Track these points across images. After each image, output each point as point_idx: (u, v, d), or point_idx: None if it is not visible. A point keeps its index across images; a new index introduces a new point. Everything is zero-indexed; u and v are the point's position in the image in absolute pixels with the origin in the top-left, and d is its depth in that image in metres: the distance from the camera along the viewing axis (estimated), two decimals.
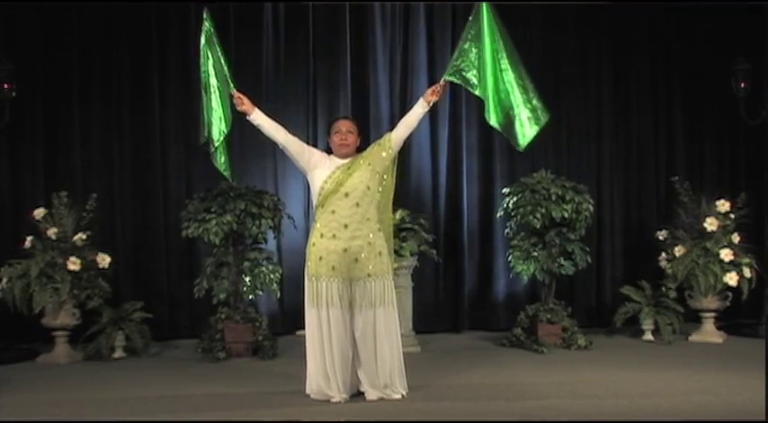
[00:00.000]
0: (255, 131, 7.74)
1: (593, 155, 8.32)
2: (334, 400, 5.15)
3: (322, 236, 5.20)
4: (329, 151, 5.41)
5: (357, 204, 5.19)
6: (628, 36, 8.38)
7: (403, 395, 5.25)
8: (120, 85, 7.67)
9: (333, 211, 5.19)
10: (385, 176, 5.36)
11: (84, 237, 6.78)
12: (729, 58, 7.99)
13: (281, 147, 5.38)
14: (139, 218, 7.70)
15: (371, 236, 5.22)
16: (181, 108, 7.74)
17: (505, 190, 7.39)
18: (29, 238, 6.76)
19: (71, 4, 7.43)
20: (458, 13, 8.03)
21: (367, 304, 5.17)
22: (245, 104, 5.36)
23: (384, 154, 5.35)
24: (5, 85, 7.10)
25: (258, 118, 5.37)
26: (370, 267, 5.19)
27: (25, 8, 7.37)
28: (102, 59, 7.65)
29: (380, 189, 5.33)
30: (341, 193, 5.19)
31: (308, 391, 5.27)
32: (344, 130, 5.35)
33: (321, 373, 5.19)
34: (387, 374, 5.21)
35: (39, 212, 6.79)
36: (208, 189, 7.08)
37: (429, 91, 5.42)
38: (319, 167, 5.28)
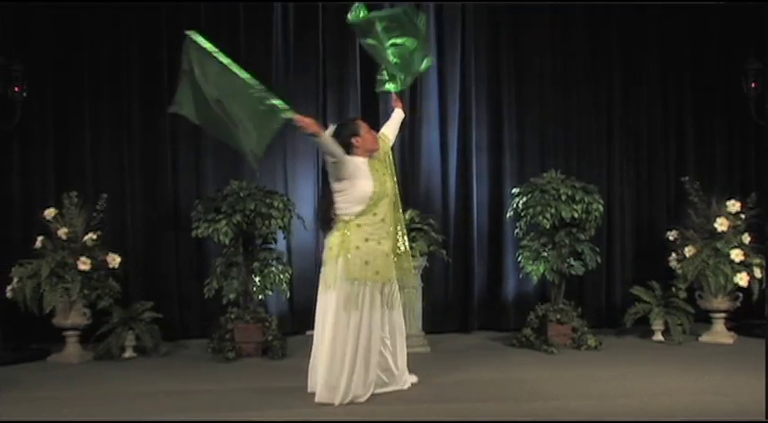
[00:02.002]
0: None
1: (603, 155, 8.30)
2: (361, 400, 5.19)
3: (367, 240, 5.22)
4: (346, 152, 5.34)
5: (394, 213, 5.40)
6: (638, 35, 8.35)
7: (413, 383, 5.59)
8: (131, 86, 7.69)
9: (383, 220, 5.28)
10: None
11: (94, 237, 6.81)
12: (740, 57, 7.97)
13: (337, 162, 5.20)
14: (149, 218, 7.72)
15: (399, 243, 5.48)
16: None
17: (515, 190, 7.38)
18: (39, 238, 6.79)
19: (81, 4, 7.45)
20: (467, 12, 8.05)
21: (390, 307, 5.32)
22: (312, 125, 5.05)
23: (388, 154, 5.60)
24: (16, 87, 7.15)
25: (324, 136, 5.15)
26: (394, 272, 5.37)
27: (36, 9, 7.40)
28: (112, 60, 7.67)
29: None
30: (385, 196, 5.32)
31: (330, 399, 5.15)
32: (368, 128, 5.44)
33: (359, 374, 5.17)
34: (404, 366, 5.51)
35: (49, 213, 6.82)
36: (218, 189, 7.10)
37: (396, 100, 5.89)
38: (361, 172, 5.28)
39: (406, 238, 5.58)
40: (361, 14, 5.62)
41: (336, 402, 5.10)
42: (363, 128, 5.38)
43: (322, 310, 5.28)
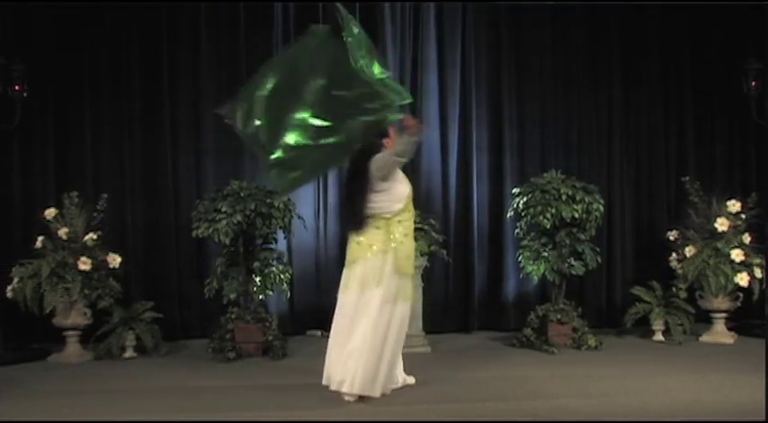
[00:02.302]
0: None
1: (603, 155, 8.30)
2: (387, 392, 5.30)
3: (406, 235, 5.37)
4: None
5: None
6: (638, 35, 8.35)
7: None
8: (131, 86, 7.69)
9: (412, 217, 5.50)
10: None
11: (94, 237, 6.81)
12: (740, 57, 7.97)
13: (404, 160, 5.33)
14: (150, 218, 7.72)
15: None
16: (191, 108, 7.76)
17: (515, 190, 7.38)
18: (40, 239, 6.79)
19: (82, 4, 7.45)
20: (468, 11, 8.05)
21: (399, 300, 5.33)
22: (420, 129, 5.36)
23: None
24: (16, 86, 7.16)
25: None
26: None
27: (36, 9, 7.40)
28: (112, 60, 7.67)
29: None
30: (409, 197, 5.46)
31: (372, 391, 5.20)
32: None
33: (394, 366, 5.39)
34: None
35: (50, 213, 6.82)
36: (218, 189, 7.09)
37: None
38: (398, 175, 5.43)
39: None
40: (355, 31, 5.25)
41: (377, 394, 5.20)
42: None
43: (354, 307, 5.27)
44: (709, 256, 7.21)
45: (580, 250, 7.17)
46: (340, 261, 7.66)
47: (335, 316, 5.37)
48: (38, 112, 7.47)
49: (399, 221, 5.35)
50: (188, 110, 7.78)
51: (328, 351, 5.33)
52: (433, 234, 7.07)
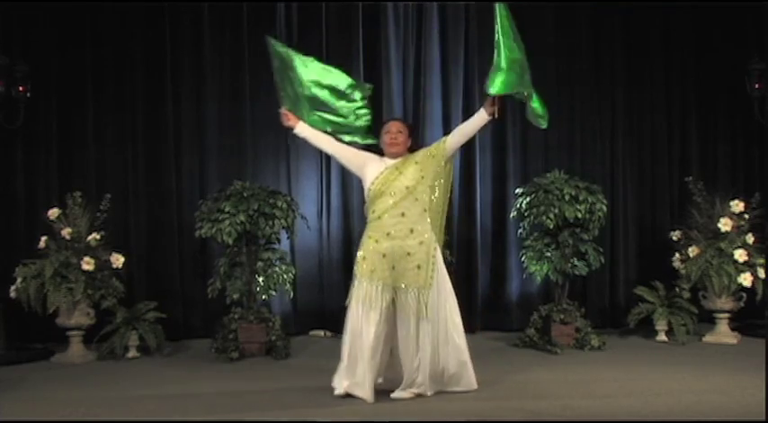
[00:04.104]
0: (268, 132, 7.84)
1: (606, 154, 8.29)
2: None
3: (369, 237, 5.31)
4: (381, 153, 5.49)
5: (402, 213, 5.27)
6: (642, 35, 8.34)
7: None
8: (134, 86, 7.70)
9: (379, 217, 5.29)
10: (436, 183, 5.42)
11: (98, 237, 6.81)
12: (744, 57, 7.96)
13: (331, 155, 5.56)
14: (153, 218, 7.73)
15: (412, 246, 5.25)
16: (195, 108, 7.77)
17: (519, 190, 7.38)
18: (43, 239, 6.80)
19: (85, 4, 7.46)
20: (471, 12, 8.06)
21: (407, 315, 5.21)
22: (291, 119, 5.56)
23: (434, 157, 5.40)
24: (20, 87, 7.16)
25: (304, 130, 5.54)
26: (406, 278, 5.23)
27: (39, 9, 7.41)
28: (115, 60, 7.68)
29: (431, 195, 5.40)
30: (387, 194, 5.28)
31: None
32: (394, 130, 5.45)
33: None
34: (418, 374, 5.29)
35: (53, 213, 6.82)
36: (221, 189, 7.10)
37: (488, 102, 5.35)
38: (369, 170, 5.38)
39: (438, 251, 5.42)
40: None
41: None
42: (384, 129, 5.50)
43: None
44: (712, 256, 7.20)
45: (583, 250, 7.17)
46: (343, 261, 7.72)
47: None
48: (41, 112, 7.48)
49: (368, 221, 5.42)
50: (191, 110, 7.78)
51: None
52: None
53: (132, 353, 6.86)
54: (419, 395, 5.25)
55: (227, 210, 6.79)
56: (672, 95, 8.45)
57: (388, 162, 5.40)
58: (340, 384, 5.26)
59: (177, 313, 7.56)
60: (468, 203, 8.08)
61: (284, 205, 6.95)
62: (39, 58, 7.41)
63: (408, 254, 5.23)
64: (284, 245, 7.47)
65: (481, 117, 5.36)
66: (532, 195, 7.15)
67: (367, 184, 5.36)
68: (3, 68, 7.07)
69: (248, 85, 7.78)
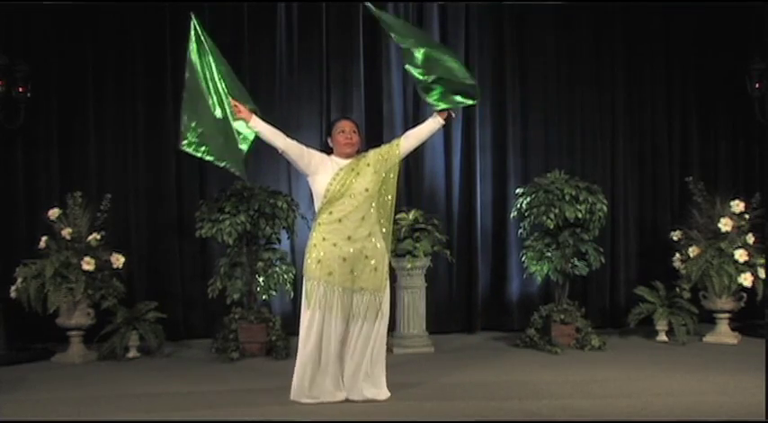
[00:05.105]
0: None
1: (606, 154, 8.30)
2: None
3: (324, 239, 5.18)
4: (328, 152, 5.38)
5: (362, 217, 5.20)
6: (642, 35, 8.35)
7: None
8: (134, 86, 7.71)
9: (339, 220, 5.17)
10: (392, 176, 5.36)
11: (98, 237, 6.81)
12: (745, 57, 7.95)
13: (280, 152, 5.31)
14: (153, 218, 7.73)
15: (370, 249, 5.21)
16: None
17: (519, 190, 7.38)
18: (43, 239, 6.80)
19: (84, 4, 7.46)
20: (471, 12, 8.05)
21: (358, 316, 5.19)
22: (242, 112, 5.29)
23: (387, 160, 5.36)
24: (20, 87, 7.15)
25: (258, 125, 5.31)
26: (363, 281, 5.20)
27: (39, 9, 7.41)
28: (116, 60, 7.69)
29: (385, 192, 5.32)
30: (347, 196, 5.18)
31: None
32: (348, 129, 5.34)
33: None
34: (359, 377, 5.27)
35: (53, 213, 6.82)
36: (222, 189, 7.11)
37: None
38: (321, 169, 5.27)
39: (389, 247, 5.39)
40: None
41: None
42: (338, 128, 5.36)
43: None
44: (712, 256, 7.20)
45: (583, 250, 7.17)
46: None
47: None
48: (42, 112, 7.48)
49: (319, 223, 5.28)
50: None
51: None
52: (437, 234, 7.08)
53: (132, 353, 6.86)
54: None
55: (227, 210, 6.80)
56: (672, 95, 8.46)
57: (341, 162, 5.29)
58: (310, 395, 5.22)
59: (177, 313, 7.57)
60: (469, 203, 8.08)
61: (284, 205, 6.95)
62: (39, 58, 7.41)
63: (366, 256, 5.19)
64: (284, 245, 7.47)
65: (436, 121, 5.40)
66: (533, 195, 7.15)
67: (323, 185, 5.22)
68: (3, 68, 7.07)
69: (248, 85, 7.76)
